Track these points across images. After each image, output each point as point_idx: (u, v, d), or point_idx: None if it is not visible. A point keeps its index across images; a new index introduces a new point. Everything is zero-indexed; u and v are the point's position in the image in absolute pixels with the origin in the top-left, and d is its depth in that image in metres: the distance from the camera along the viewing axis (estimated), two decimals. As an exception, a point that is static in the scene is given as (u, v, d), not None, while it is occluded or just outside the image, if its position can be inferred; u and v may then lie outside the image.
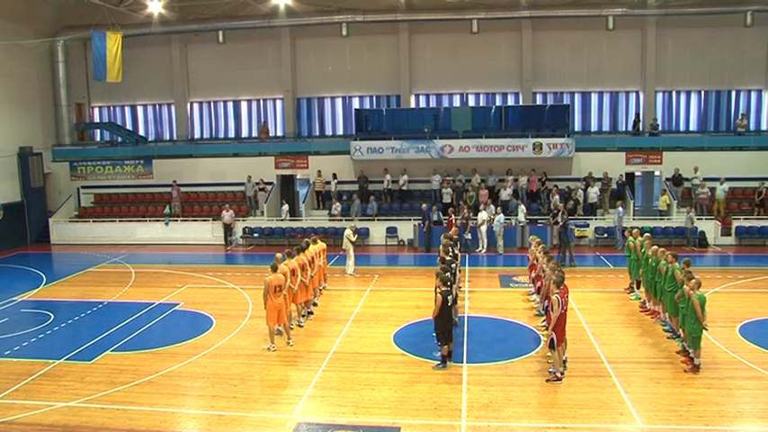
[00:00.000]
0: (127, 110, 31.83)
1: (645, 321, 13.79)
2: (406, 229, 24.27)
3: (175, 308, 15.76)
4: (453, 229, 18.62)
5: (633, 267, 15.29)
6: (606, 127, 28.89)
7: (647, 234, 15.37)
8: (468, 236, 22.14)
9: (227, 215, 24.97)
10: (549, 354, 10.94)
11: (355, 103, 29.82)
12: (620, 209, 22.44)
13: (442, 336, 11.18)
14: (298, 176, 28.60)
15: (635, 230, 15.84)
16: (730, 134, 27.08)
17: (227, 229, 25.11)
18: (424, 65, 29.00)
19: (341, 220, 24.82)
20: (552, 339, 10.49)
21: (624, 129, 28.54)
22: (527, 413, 9.48)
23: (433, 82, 29.05)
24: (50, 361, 11.96)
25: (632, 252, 15.15)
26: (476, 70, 28.59)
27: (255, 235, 25.18)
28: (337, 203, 25.40)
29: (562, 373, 10.60)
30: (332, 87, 29.93)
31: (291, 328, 13.06)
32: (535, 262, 14.72)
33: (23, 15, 27.07)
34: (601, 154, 25.92)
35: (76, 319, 14.99)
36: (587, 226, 23.37)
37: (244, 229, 25.34)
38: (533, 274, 15.07)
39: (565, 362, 10.93)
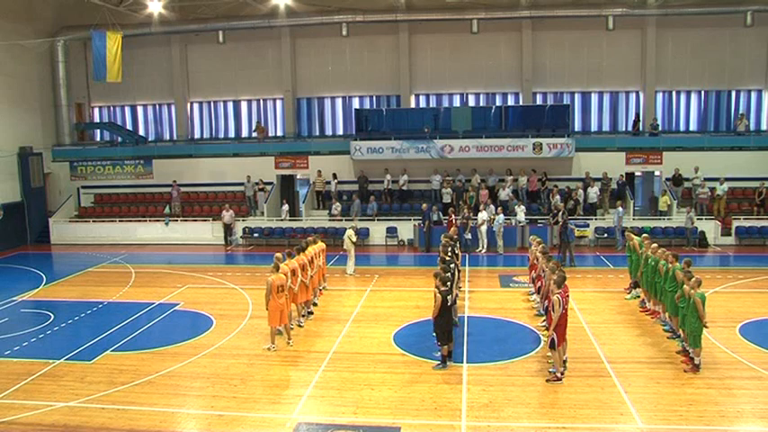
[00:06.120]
0: (127, 110, 31.85)
1: (645, 321, 13.79)
2: (406, 229, 24.27)
3: (175, 308, 15.76)
4: (453, 229, 18.63)
5: (633, 267, 15.31)
6: (606, 127, 28.92)
7: (645, 234, 15.41)
8: (469, 236, 22.15)
9: (227, 215, 24.97)
10: (549, 354, 10.94)
11: (355, 103, 29.83)
12: (620, 209, 22.44)
13: (442, 336, 11.17)
14: (298, 176, 28.60)
15: (631, 232, 15.90)
16: (730, 134, 27.09)
17: (227, 229, 25.11)
18: (424, 65, 29.01)
19: (341, 220, 24.83)
20: (553, 339, 10.48)
21: (624, 129, 28.57)
22: (527, 413, 9.47)
23: (433, 82, 29.07)
24: (50, 361, 11.95)
25: (633, 252, 15.17)
26: (476, 70, 28.62)
27: (255, 235, 25.18)
28: (337, 203, 25.40)
29: (562, 373, 10.60)
30: (332, 87, 29.94)
31: (291, 328, 13.06)
32: (535, 262, 14.72)
33: (23, 15, 27.06)
34: (601, 154, 25.93)
35: (76, 319, 14.99)
36: (587, 226, 23.37)
37: (244, 229, 25.35)
38: (533, 274, 15.07)
39: (565, 362, 10.92)
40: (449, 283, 11.44)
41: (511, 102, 28.81)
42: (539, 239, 15.57)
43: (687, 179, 24.89)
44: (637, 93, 28.42)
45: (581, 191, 24.52)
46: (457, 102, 29.32)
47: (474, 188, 25.08)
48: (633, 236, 15.48)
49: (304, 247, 14.48)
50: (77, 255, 23.89)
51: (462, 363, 11.42)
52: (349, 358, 11.89)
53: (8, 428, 9.25)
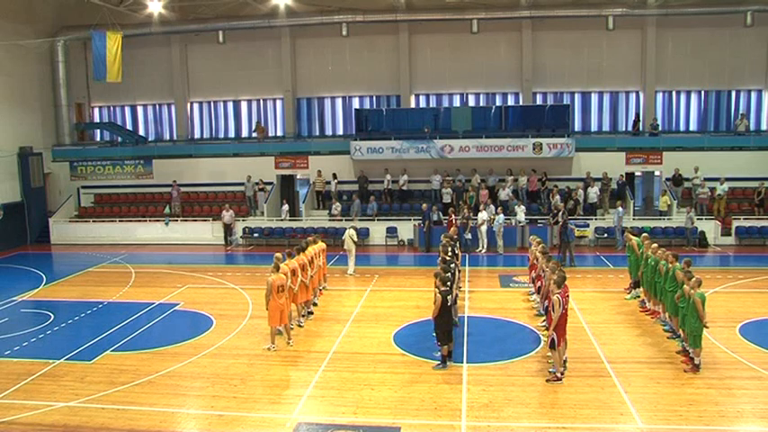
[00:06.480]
0: (127, 110, 31.85)
1: (645, 321, 13.78)
2: (406, 229, 24.27)
3: (175, 308, 15.76)
4: (453, 229, 18.63)
5: (633, 267, 15.30)
6: (606, 127, 28.92)
7: (645, 234, 15.40)
8: (469, 236, 22.15)
9: (227, 215, 24.97)
10: (549, 354, 10.94)
11: (355, 103, 29.83)
12: (620, 209, 22.44)
13: (442, 336, 11.17)
14: (298, 176, 28.60)
15: (631, 232, 15.91)
16: (730, 134, 27.09)
17: (227, 229, 25.11)
18: (424, 65, 29.01)
19: (341, 220, 24.83)
20: (553, 339, 10.48)
21: (624, 129, 28.57)
22: (527, 413, 9.47)
23: (433, 82, 29.08)
24: (50, 361, 11.95)
25: (632, 252, 15.16)
26: (476, 70, 28.63)
27: (255, 235, 25.18)
28: (337, 203, 25.41)
29: (562, 373, 10.59)
30: (332, 87, 29.94)
31: (291, 328, 13.06)
32: (535, 262, 14.73)
33: (23, 15, 27.06)
34: (601, 154, 25.93)
35: (76, 319, 14.99)
36: (587, 226, 23.37)
37: (244, 229, 25.34)
38: (533, 274, 15.07)
39: (565, 362, 10.92)
40: (449, 283, 11.44)
41: (511, 102, 28.81)
42: (539, 239, 15.57)
43: (687, 179, 24.89)
44: (637, 93, 28.42)
45: (581, 191, 24.52)
46: (457, 102, 29.32)
47: (474, 188, 25.08)
48: (632, 236, 15.48)
49: (304, 247, 14.48)
50: (77, 255, 23.88)
51: (462, 363, 11.42)
52: (349, 358, 11.88)
53: (8, 428, 9.25)
